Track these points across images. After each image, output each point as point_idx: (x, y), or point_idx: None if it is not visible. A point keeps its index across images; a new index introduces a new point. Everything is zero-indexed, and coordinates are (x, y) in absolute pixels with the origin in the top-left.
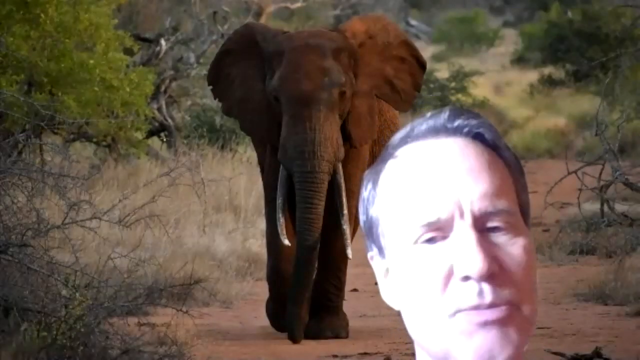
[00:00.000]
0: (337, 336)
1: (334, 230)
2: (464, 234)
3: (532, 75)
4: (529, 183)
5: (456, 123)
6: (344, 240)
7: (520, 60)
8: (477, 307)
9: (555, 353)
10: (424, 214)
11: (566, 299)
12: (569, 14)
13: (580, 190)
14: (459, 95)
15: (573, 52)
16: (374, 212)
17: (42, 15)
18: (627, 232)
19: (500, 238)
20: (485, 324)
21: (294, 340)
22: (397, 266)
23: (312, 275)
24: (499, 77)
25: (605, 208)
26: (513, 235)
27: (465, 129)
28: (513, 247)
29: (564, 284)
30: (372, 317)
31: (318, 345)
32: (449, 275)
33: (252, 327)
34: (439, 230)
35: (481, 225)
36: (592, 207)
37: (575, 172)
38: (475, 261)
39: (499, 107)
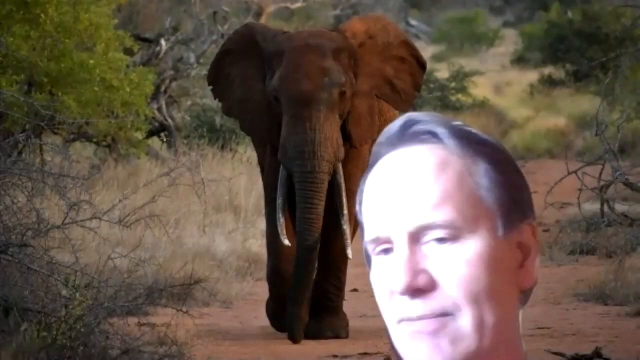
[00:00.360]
0: (337, 336)
1: (334, 230)
2: (397, 250)
3: (532, 75)
4: (529, 183)
5: (410, 130)
6: (344, 240)
7: (520, 60)
8: (409, 319)
9: (555, 353)
10: (369, 230)
11: (566, 299)
12: (569, 14)
13: (580, 190)
14: (459, 95)
15: (573, 52)
16: (360, 219)
17: (42, 15)
18: (627, 232)
19: (440, 249)
20: (415, 334)
21: (294, 340)
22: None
23: (312, 275)
24: (499, 77)
25: (605, 208)
26: (455, 246)
27: (420, 136)
28: (451, 258)
29: (564, 284)
30: (372, 317)
31: (318, 345)
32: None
33: (252, 327)
34: (387, 244)
35: (417, 239)
36: (592, 207)
37: (575, 172)
38: (399, 277)
39: (499, 107)
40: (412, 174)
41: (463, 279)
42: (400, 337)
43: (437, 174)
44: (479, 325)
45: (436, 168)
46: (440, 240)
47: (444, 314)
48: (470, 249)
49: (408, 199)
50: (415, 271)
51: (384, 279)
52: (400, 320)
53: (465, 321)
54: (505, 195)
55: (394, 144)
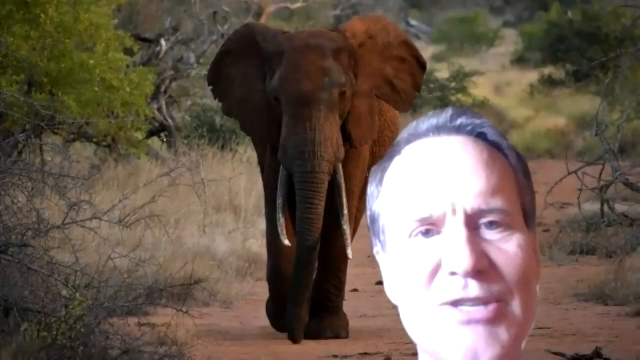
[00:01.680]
0: (337, 336)
1: (334, 230)
2: (455, 231)
3: (532, 75)
4: None
5: (458, 121)
6: (344, 240)
7: (520, 60)
8: (461, 301)
9: (555, 353)
10: (418, 209)
11: (566, 299)
12: (569, 14)
13: (580, 190)
14: (459, 95)
15: (573, 52)
16: (376, 207)
17: (42, 15)
18: (627, 232)
19: (493, 235)
20: (470, 322)
21: (294, 340)
22: (394, 259)
23: (312, 275)
24: (499, 77)
25: (605, 208)
26: (507, 232)
27: (467, 128)
28: (506, 244)
29: (564, 284)
30: (372, 317)
31: (318, 345)
32: (437, 268)
33: (252, 327)
34: (433, 225)
35: (474, 223)
36: (592, 207)
37: (575, 172)
38: (462, 258)
39: (499, 107)
40: (467, 160)
41: (519, 263)
42: (442, 324)
43: (491, 163)
44: (526, 311)
45: (489, 158)
46: (490, 226)
47: (498, 300)
48: (520, 237)
49: (467, 182)
50: (478, 252)
51: (425, 260)
52: (446, 303)
53: (516, 306)
54: (530, 198)
55: (439, 131)
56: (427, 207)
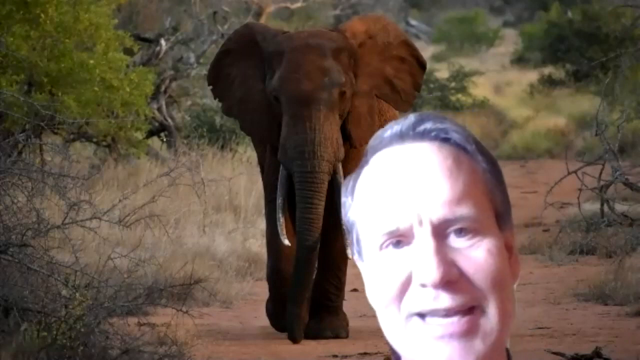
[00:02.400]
0: (337, 336)
1: (334, 230)
2: (423, 242)
3: (532, 75)
4: (529, 183)
5: (422, 127)
6: (344, 240)
7: (520, 60)
8: (433, 312)
9: (555, 353)
10: (385, 222)
11: (566, 299)
12: (569, 14)
13: (580, 190)
14: (459, 95)
15: (573, 52)
16: (350, 216)
17: (42, 15)
18: (627, 232)
19: (462, 242)
20: (444, 336)
21: (294, 340)
22: (369, 270)
23: (312, 275)
24: (499, 77)
25: (605, 208)
26: (477, 238)
27: (432, 133)
28: (476, 250)
29: (564, 284)
30: (372, 317)
31: (318, 345)
32: (408, 280)
33: (252, 327)
34: (402, 237)
35: (441, 232)
36: (592, 207)
37: (575, 172)
38: (431, 270)
39: (499, 107)
40: (431, 168)
41: (490, 269)
42: (418, 336)
43: (456, 170)
44: (502, 315)
45: (453, 164)
46: (461, 232)
47: (472, 308)
48: (490, 242)
49: (432, 191)
50: (446, 263)
51: (396, 272)
52: (422, 315)
53: (492, 312)
54: (502, 198)
55: (403, 139)
56: (393, 219)
